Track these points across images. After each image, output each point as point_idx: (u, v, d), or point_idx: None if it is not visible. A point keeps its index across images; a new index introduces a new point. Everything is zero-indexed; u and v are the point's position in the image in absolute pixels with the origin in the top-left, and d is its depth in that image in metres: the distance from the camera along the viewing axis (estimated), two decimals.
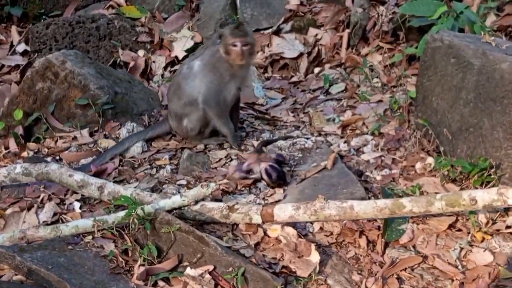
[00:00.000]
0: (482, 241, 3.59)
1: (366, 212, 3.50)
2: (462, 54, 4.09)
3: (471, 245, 3.58)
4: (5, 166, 4.41)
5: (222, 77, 4.56)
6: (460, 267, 3.47)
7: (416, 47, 5.32)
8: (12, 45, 6.57)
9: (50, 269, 3.26)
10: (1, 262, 3.36)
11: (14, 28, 6.79)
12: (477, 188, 3.78)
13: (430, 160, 4.19)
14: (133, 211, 3.52)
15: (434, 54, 4.29)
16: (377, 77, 5.48)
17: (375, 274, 3.46)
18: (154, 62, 6.24)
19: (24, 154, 4.79)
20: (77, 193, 4.11)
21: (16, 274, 3.37)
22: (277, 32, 6.25)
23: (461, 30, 5.06)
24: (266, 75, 6.02)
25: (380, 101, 5.06)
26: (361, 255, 3.60)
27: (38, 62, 5.11)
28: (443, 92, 4.23)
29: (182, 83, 4.67)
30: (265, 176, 4.12)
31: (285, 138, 4.71)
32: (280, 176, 4.13)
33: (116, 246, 3.57)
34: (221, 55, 4.51)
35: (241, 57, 4.45)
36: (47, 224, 3.83)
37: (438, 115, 4.25)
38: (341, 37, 6.04)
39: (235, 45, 4.43)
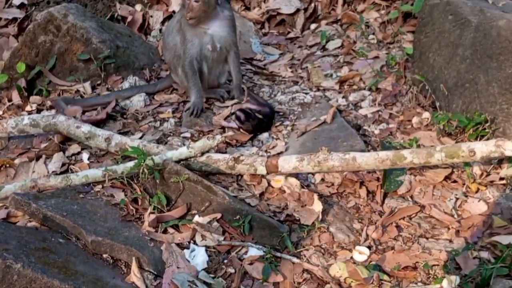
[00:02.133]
0: (476, 192, 3.73)
1: (368, 163, 3.61)
2: (460, 11, 4.18)
3: (466, 196, 3.72)
4: (10, 117, 4.48)
5: (184, 34, 4.55)
6: (455, 216, 3.60)
7: (412, 4, 5.37)
8: None
9: (65, 216, 3.37)
10: (17, 208, 3.47)
11: None
12: (471, 141, 3.90)
13: (426, 114, 4.30)
14: (143, 161, 3.62)
15: (432, 11, 4.38)
16: (373, 33, 5.55)
17: (375, 223, 3.61)
18: (151, 16, 6.24)
19: (28, 107, 4.84)
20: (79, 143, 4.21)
21: (30, 221, 3.48)
22: None
23: None
24: (263, 30, 6.07)
25: (377, 57, 5.14)
26: (361, 205, 3.74)
27: (40, 15, 5.12)
28: (440, 48, 4.33)
29: (164, 37, 4.82)
30: (236, 120, 4.29)
31: None
32: (250, 117, 4.26)
33: (125, 195, 3.68)
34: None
35: (189, 12, 4.39)
36: (57, 174, 3.94)
37: (434, 71, 4.36)
38: None
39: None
